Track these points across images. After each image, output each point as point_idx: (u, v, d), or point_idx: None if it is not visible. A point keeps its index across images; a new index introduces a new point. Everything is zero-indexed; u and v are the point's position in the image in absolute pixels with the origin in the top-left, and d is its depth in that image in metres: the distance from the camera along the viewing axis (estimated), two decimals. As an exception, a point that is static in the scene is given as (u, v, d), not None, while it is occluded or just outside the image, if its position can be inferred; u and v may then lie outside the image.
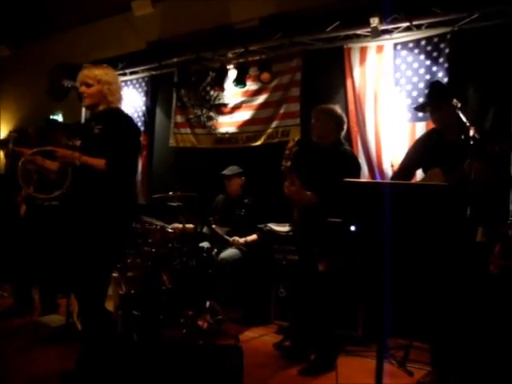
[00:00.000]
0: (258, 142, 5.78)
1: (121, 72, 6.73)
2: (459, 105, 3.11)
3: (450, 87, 4.35)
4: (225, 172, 5.18)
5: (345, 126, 3.88)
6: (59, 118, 7.81)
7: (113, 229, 2.94)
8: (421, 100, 4.54)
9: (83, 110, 6.84)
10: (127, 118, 3.16)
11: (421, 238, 2.82)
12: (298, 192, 3.71)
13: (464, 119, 3.03)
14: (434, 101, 3.42)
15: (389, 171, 4.71)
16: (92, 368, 2.90)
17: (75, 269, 3.01)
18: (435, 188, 2.18)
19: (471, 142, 2.88)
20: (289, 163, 3.69)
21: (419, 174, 3.69)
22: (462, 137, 3.02)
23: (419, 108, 3.81)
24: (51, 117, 7.58)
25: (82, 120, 7.05)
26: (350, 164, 3.74)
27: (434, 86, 3.61)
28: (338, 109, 3.90)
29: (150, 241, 4.40)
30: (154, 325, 3.99)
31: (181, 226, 4.53)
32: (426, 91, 3.95)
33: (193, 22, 6.16)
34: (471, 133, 2.89)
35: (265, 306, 4.88)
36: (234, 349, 2.90)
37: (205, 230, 4.71)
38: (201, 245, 4.82)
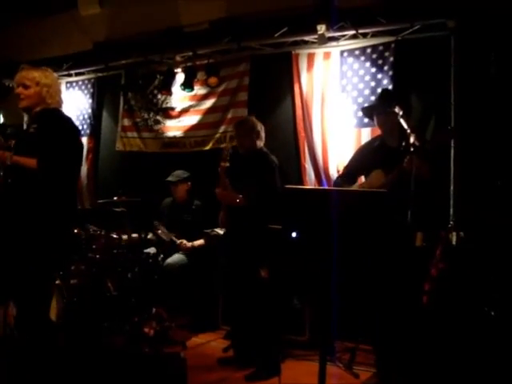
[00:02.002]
0: (207, 147, 5.73)
1: (65, 73, 6.55)
2: (401, 112, 3.18)
3: (397, 94, 4.48)
4: (170, 179, 5.11)
5: (263, 134, 4.02)
6: (-1, 118, 7.52)
7: (48, 233, 2.85)
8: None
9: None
10: (63, 118, 3.06)
11: (362, 243, 2.87)
12: (230, 195, 3.85)
13: (405, 126, 3.10)
14: (381, 106, 3.52)
15: (335, 176, 4.76)
16: (29, 380, 2.80)
17: (12, 276, 2.89)
18: (372, 194, 2.22)
19: (411, 149, 2.95)
20: (227, 164, 3.85)
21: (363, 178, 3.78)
22: (403, 143, 3.10)
23: (365, 112, 3.90)
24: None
25: (24, 121, 6.82)
26: (268, 166, 3.88)
27: (383, 92, 3.74)
28: (254, 120, 4.06)
29: (94, 247, 4.30)
30: (99, 332, 3.89)
31: (126, 237, 4.46)
32: (376, 96, 4.08)
33: (141, 23, 6.04)
34: (411, 140, 2.96)
35: (212, 312, 4.85)
36: (176, 357, 2.86)
37: (150, 235, 4.63)
38: (146, 251, 4.74)
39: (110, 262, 4.28)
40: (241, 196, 3.80)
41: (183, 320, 4.68)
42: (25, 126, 6.63)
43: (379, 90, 4.62)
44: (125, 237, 4.53)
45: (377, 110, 3.56)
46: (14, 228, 2.88)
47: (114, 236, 4.48)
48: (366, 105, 4.57)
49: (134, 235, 4.55)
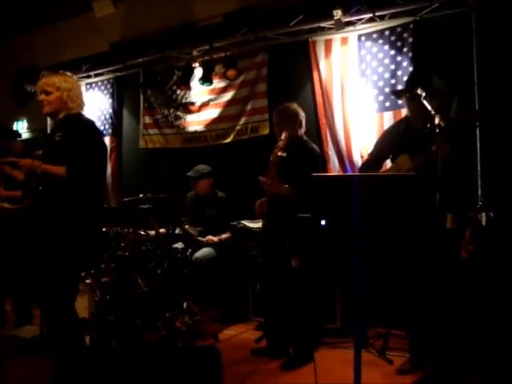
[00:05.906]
0: (228, 140, 5.75)
1: (85, 74, 6.63)
2: (424, 94, 3.14)
3: (422, 76, 4.41)
4: (190, 174, 5.04)
5: (303, 122, 3.87)
6: (24, 124, 7.64)
7: (78, 236, 2.91)
8: (387, 90, 4.61)
9: (48, 115, 6.71)
10: (87, 123, 3.11)
11: (392, 227, 2.85)
12: (277, 185, 3.67)
13: (429, 108, 3.06)
14: (404, 90, 3.48)
15: (359, 162, 4.73)
16: (69, 378, 2.85)
17: (41, 277, 2.96)
18: (402, 178, 2.19)
19: (437, 130, 2.91)
20: (284, 154, 3.62)
21: (389, 163, 3.74)
22: (428, 125, 3.06)
23: (396, 93, 3.86)
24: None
25: (48, 126, 6.92)
26: (310, 155, 3.76)
27: (409, 76, 3.69)
28: (297, 107, 3.88)
29: (122, 245, 4.34)
30: (132, 329, 3.94)
31: (154, 233, 4.48)
32: (406, 79, 4.07)
33: (156, 20, 6.09)
34: (436, 121, 2.92)
35: (243, 304, 4.88)
36: (211, 349, 2.88)
37: (177, 230, 4.65)
38: (174, 246, 4.77)
39: (139, 259, 4.31)
40: (287, 186, 3.62)
41: (214, 313, 4.71)
42: (49, 132, 6.81)
43: (399, 73, 4.59)
44: (152, 233, 4.56)
45: (402, 94, 3.56)
46: (46, 232, 2.95)
47: (142, 233, 4.51)
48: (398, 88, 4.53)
49: (162, 231, 4.58)
